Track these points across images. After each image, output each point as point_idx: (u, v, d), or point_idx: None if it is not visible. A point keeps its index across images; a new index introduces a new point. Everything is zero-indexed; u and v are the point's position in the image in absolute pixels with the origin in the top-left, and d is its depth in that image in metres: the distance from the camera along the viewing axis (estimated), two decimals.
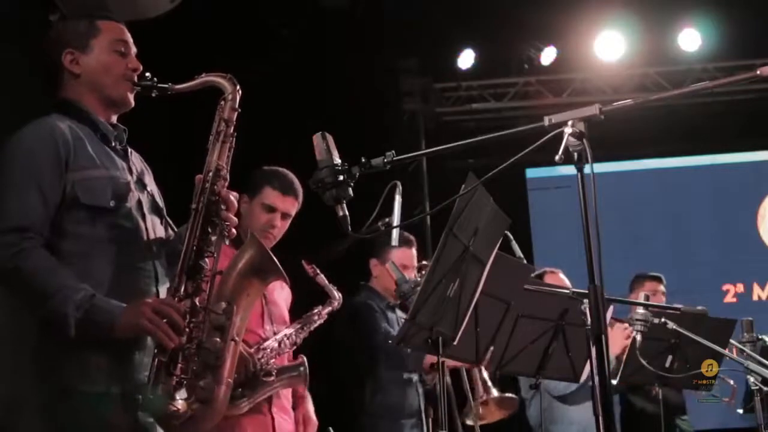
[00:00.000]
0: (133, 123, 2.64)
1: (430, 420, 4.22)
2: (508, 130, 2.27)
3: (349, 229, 2.26)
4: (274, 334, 3.40)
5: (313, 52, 6.45)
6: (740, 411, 5.05)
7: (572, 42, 7.67)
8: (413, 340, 2.80)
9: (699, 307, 4.01)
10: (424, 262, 4.26)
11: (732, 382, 4.31)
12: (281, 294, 3.57)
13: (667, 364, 4.00)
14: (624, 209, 8.06)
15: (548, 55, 7.75)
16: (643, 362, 3.75)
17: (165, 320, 2.29)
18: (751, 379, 3.82)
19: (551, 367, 3.47)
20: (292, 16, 6.37)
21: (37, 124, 2.43)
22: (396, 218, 2.70)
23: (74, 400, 2.28)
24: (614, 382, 3.97)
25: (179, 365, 2.34)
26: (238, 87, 2.57)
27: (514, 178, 8.03)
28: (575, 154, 2.06)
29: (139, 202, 2.52)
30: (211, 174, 2.49)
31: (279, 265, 2.62)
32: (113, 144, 2.54)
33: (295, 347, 3.48)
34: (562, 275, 4.90)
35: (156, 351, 2.34)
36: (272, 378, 3.29)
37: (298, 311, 3.58)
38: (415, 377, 4.25)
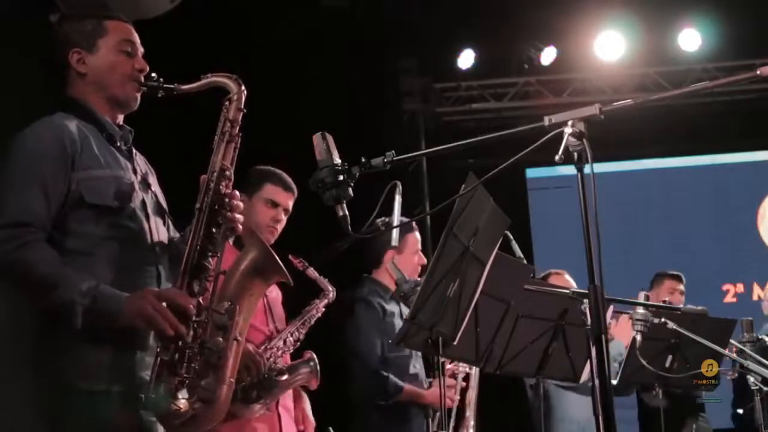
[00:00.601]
0: (139, 123, 2.64)
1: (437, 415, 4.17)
2: (508, 130, 2.27)
3: (349, 229, 2.26)
4: (278, 331, 3.41)
5: (313, 52, 6.45)
6: (740, 411, 5.06)
7: (572, 42, 7.67)
8: (413, 340, 2.81)
9: (699, 307, 4.02)
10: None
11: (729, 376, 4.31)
12: (272, 292, 3.58)
13: (667, 364, 4.00)
14: (624, 209, 8.06)
15: (548, 55, 7.75)
16: (643, 362, 3.76)
17: (168, 307, 2.28)
18: (751, 379, 3.82)
19: (551, 367, 3.46)
20: (292, 16, 6.36)
21: (44, 122, 2.43)
22: (396, 218, 2.69)
23: (74, 398, 2.28)
24: (614, 382, 3.98)
25: (183, 364, 2.34)
26: (243, 87, 2.57)
27: (514, 178, 8.03)
28: (575, 154, 2.05)
29: (143, 203, 2.52)
30: (215, 174, 2.48)
31: (282, 265, 2.63)
32: (118, 144, 2.54)
33: (298, 344, 3.47)
34: (567, 276, 4.90)
35: (159, 350, 2.34)
36: (285, 377, 3.29)
37: (286, 308, 3.57)
38: (421, 372, 4.21)
